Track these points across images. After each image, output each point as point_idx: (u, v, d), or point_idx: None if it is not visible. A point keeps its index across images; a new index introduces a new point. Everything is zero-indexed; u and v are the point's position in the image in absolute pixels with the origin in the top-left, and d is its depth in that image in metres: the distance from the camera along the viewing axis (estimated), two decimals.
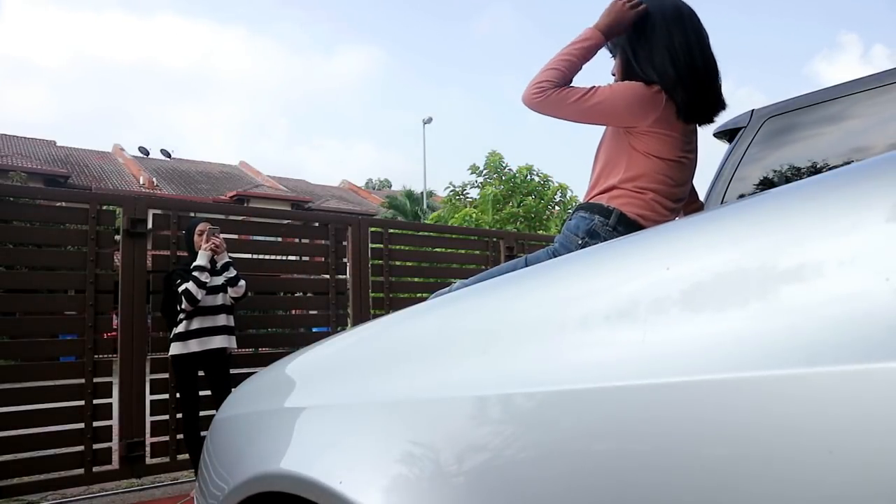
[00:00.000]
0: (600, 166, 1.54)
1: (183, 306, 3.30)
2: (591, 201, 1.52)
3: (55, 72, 72.65)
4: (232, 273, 3.51)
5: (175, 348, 3.38)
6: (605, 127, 1.58)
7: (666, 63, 1.45)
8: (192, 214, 4.07)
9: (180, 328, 3.39)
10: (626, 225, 1.44)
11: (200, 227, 3.53)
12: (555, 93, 1.42)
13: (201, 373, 3.45)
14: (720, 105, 1.54)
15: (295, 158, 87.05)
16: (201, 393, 3.43)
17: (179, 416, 3.65)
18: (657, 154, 1.47)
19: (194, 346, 3.37)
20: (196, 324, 3.38)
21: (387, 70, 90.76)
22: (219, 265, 3.48)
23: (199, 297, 3.31)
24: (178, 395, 3.45)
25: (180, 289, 3.30)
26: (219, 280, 3.47)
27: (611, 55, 1.61)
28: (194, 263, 3.34)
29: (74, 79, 75.81)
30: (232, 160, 29.39)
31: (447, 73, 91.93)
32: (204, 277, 3.32)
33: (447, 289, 1.42)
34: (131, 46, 75.65)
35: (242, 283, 3.55)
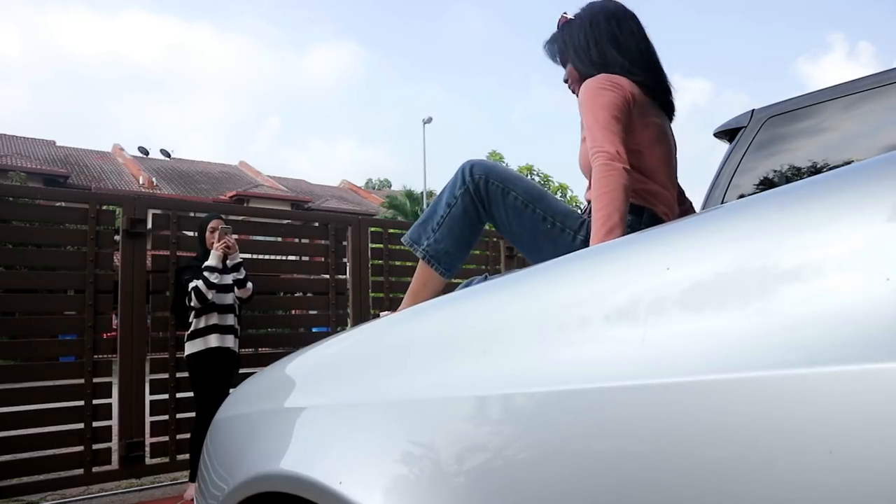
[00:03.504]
0: (590, 174, 1.52)
1: (192, 303, 3.32)
2: None
3: (25, 68, 72.14)
4: (241, 274, 3.53)
5: (193, 346, 3.39)
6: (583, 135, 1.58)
7: (613, 50, 1.50)
8: (192, 214, 4.08)
9: (196, 325, 3.39)
10: (654, 223, 1.43)
11: (213, 223, 3.54)
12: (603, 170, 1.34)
13: None
14: (669, 87, 1.57)
15: (284, 158, 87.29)
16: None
17: (179, 416, 3.65)
18: (652, 143, 1.47)
19: (213, 341, 3.38)
20: (213, 320, 3.40)
21: (369, 68, 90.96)
22: (230, 264, 3.49)
23: (209, 296, 3.32)
24: (194, 393, 3.44)
25: (190, 285, 3.31)
26: (228, 279, 3.48)
27: (559, 64, 1.64)
28: (206, 263, 3.35)
29: (46, 77, 75.35)
30: (224, 160, 29.37)
31: (429, 71, 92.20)
32: (214, 278, 3.33)
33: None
34: (101, 44, 75.51)
35: (250, 285, 3.58)
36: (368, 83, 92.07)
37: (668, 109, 1.58)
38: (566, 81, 1.64)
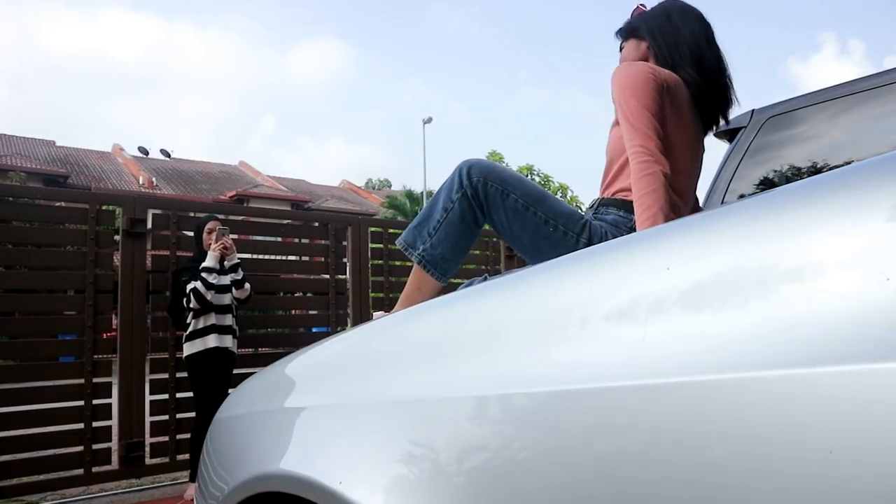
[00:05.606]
0: (616, 160, 1.51)
1: (192, 305, 3.32)
2: (619, 197, 1.49)
3: (10, 67, 71.35)
4: (239, 275, 3.53)
5: (192, 347, 3.38)
6: (615, 119, 1.58)
7: (678, 47, 1.50)
8: (192, 214, 4.08)
9: (194, 326, 3.39)
10: None
11: (210, 225, 3.54)
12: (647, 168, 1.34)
13: None
14: (728, 100, 1.57)
15: (280, 158, 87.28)
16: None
17: (179, 416, 3.65)
18: (677, 145, 1.46)
19: (212, 341, 3.38)
20: (212, 320, 3.40)
21: (356, 65, 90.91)
22: (227, 265, 3.49)
23: (208, 297, 3.32)
24: (193, 394, 3.45)
25: (189, 286, 3.32)
26: (226, 279, 3.49)
27: (622, 42, 1.65)
28: (203, 264, 3.35)
29: (30, 77, 74.52)
30: (220, 161, 29.40)
31: (417, 69, 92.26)
32: (212, 279, 3.33)
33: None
34: (85, 44, 74.91)
35: (248, 286, 3.58)
36: (357, 81, 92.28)
37: (710, 119, 1.58)
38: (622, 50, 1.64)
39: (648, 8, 1.61)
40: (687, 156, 1.49)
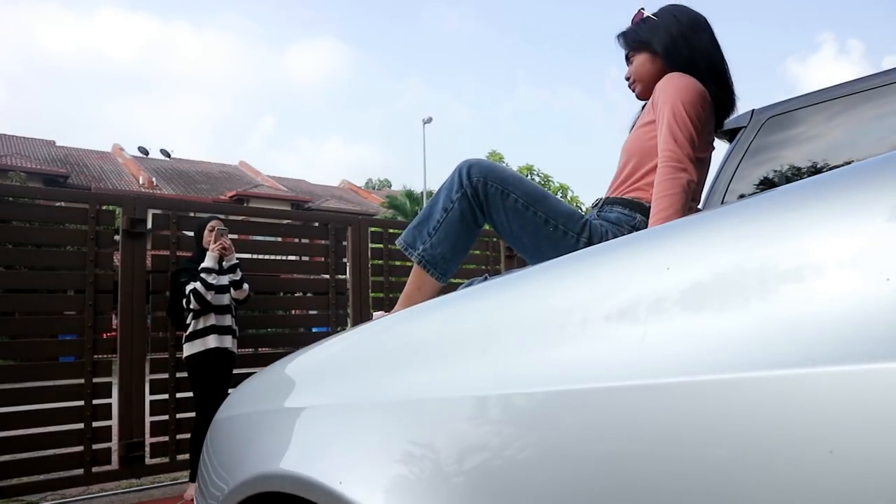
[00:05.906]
0: (635, 160, 1.51)
1: (191, 305, 3.32)
2: (627, 197, 1.49)
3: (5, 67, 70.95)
4: (238, 275, 3.53)
5: (192, 347, 3.38)
6: (637, 120, 1.57)
7: (693, 61, 1.48)
8: (192, 214, 4.08)
9: (194, 326, 3.39)
10: None
11: (210, 224, 3.54)
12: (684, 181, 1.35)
13: None
14: (734, 109, 1.57)
15: (279, 159, 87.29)
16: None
17: (179, 416, 3.65)
18: (702, 159, 1.45)
19: (212, 342, 3.38)
20: (211, 321, 3.40)
21: (354, 65, 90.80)
22: (226, 265, 3.49)
23: (208, 297, 3.32)
24: (193, 394, 3.45)
25: (188, 287, 3.32)
26: (225, 280, 3.49)
27: (627, 61, 1.61)
28: (202, 265, 3.35)
29: (25, 77, 74.20)
30: (222, 161, 29.39)
31: (414, 69, 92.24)
32: (211, 279, 3.34)
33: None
34: (78, 44, 74.68)
35: (247, 286, 3.58)
36: (356, 81, 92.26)
37: (717, 126, 1.57)
38: (628, 79, 1.62)
39: (649, 12, 1.57)
40: (704, 168, 1.51)
